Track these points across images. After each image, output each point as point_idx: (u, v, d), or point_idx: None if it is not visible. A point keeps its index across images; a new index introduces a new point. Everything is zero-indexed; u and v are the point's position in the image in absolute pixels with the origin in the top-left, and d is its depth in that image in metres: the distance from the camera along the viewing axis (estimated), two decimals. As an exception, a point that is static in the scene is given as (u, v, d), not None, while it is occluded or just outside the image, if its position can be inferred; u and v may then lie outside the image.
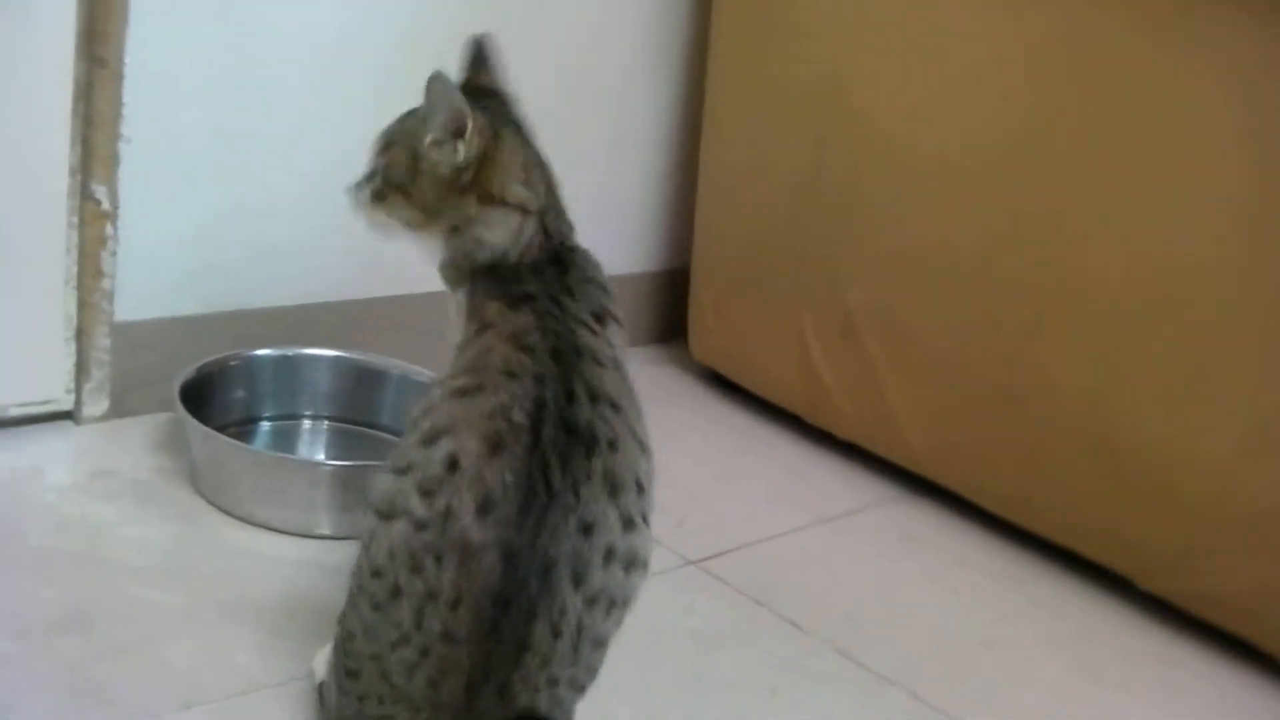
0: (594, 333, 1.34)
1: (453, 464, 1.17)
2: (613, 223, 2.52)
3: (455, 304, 1.42)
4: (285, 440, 1.98)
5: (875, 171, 2.09)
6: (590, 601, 1.19)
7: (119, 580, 1.57)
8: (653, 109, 2.50)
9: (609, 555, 1.20)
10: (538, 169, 1.45)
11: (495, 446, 1.17)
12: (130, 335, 1.92)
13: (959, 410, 2.03)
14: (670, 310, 2.58)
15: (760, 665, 1.62)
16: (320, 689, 1.37)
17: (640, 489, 1.24)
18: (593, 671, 1.25)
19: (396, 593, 1.17)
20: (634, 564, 1.23)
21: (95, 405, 1.92)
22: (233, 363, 1.93)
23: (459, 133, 1.38)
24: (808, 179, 2.19)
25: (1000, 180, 1.93)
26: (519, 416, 1.19)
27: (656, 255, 2.60)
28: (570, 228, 1.46)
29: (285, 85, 1.94)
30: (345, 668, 1.26)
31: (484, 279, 1.39)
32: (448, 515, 1.16)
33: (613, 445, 1.23)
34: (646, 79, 2.47)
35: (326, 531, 1.73)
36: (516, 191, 1.42)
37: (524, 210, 1.41)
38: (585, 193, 2.40)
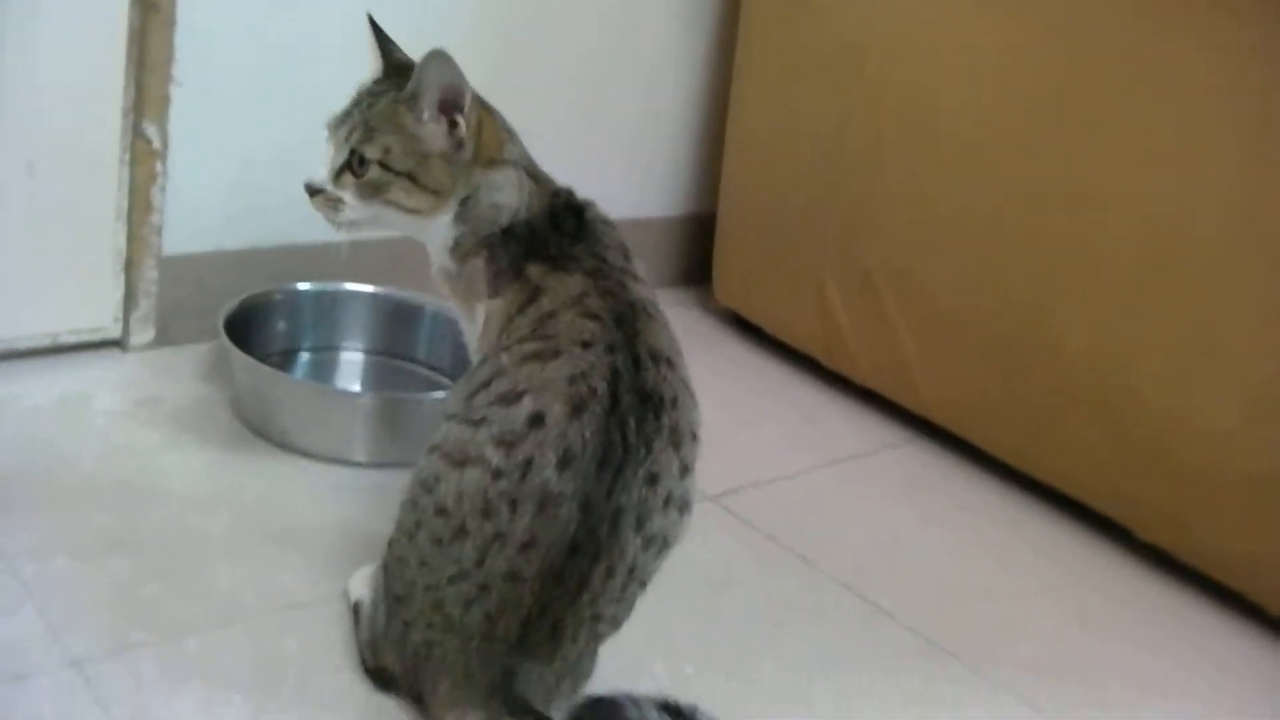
0: (636, 278, 1.41)
1: (535, 421, 1.24)
2: (643, 168, 2.57)
3: (460, 276, 1.46)
4: (323, 371, 2.05)
5: (896, 136, 2.15)
6: (647, 543, 1.27)
7: (165, 504, 1.65)
8: (685, 63, 2.55)
9: (668, 500, 1.28)
10: (507, 125, 1.50)
11: (577, 409, 1.25)
12: (176, 268, 1.99)
13: (969, 367, 2.09)
14: (696, 254, 2.64)
15: (768, 598, 1.70)
16: (355, 608, 1.45)
17: (694, 438, 1.33)
18: (631, 608, 1.33)
19: (461, 533, 1.25)
20: (686, 507, 1.31)
21: (142, 334, 2.00)
22: (275, 296, 2.00)
23: (452, 107, 1.41)
24: (831, 140, 2.24)
25: (1014, 149, 1.98)
26: (598, 384, 1.26)
27: (684, 200, 2.66)
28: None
29: (329, 33, 2.00)
30: (394, 593, 1.33)
31: (502, 244, 1.43)
32: (528, 466, 1.23)
33: (674, 402, 1.31)
34: (680, 35, 2.52)
35: (361, 459, 1.80)
36: (509, 149, 1.48)
37: (515, 164, 1.47)
38: (618, 140, 2.49)
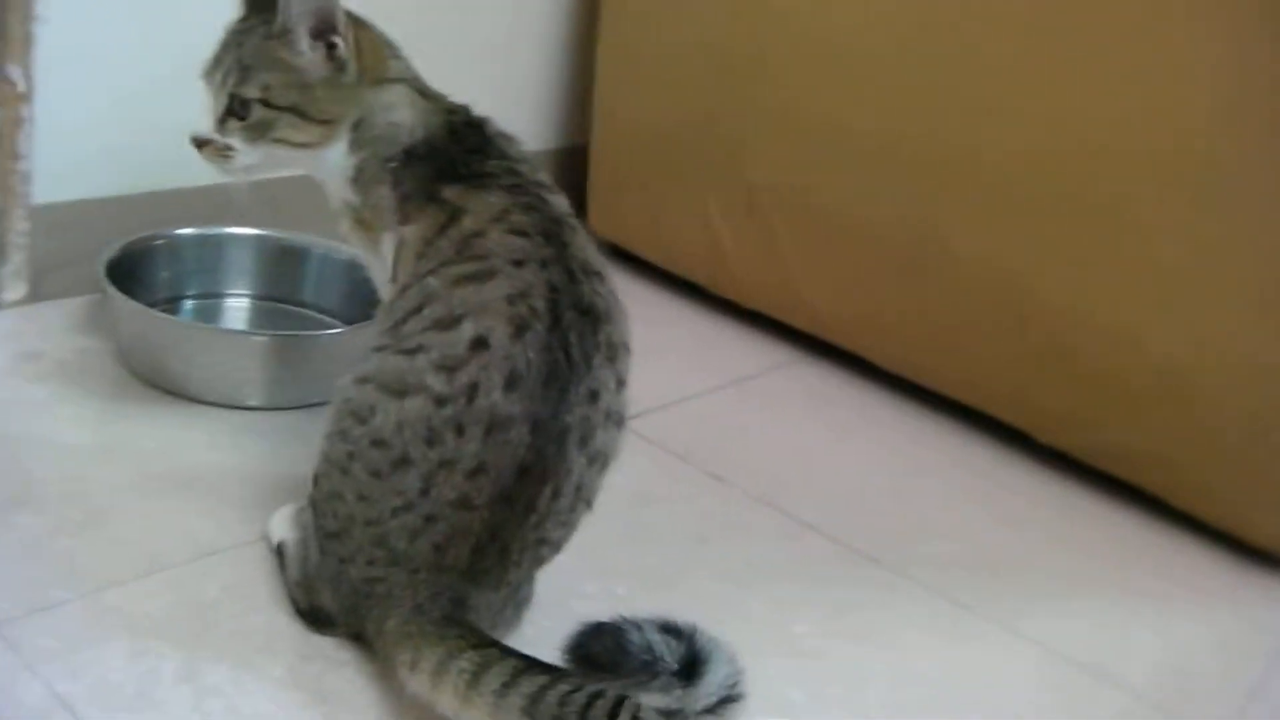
0: (551, 190, 1.39)
1: (477, 344, 1.21)
2: (511, 101, 2.52)
3: (364, 207, 1.42)
4: (209, 318, 1.99)
5: (780, 50, 2.13)
6: (591, 460, 1.26)
7: (64, 459, 1.59)
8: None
9: (607, 416, 1.27)
10: (389, 41, 1.47)
11: (520, 329, 1.22)
12: (48, 217, 1.91)
13: (863, 280, 2.09)
14: (569, 188, 2.59)
15: (689, 515, 1.71)
16: (279, 550, 1.42)
17: (627, 350, 1.32)
18: (574, 530, 1.32)
19: (403, 462, 1.22)
20: (621, 421, 1.30)
21: (14, 290, 1.92)
22: (156, 242, 1.93)
23: (325, 30, 1.37)
24: (713, 58, 2.22)
25: (902, 57, 1.98)
26: (538, 302, 1.24)
27: (555, 133, 2.62)
28: None
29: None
30: (326, 530, 1.30)
31: (407, 167, 1.39)
32: (474, 390, 1.20)
33: (608, 315, 1.29)
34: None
35: (256, 403, 1.76)
36: (395, 66, 1.44)
37: (404, 81, 1.44)
38: (484, 71, 2.43)
